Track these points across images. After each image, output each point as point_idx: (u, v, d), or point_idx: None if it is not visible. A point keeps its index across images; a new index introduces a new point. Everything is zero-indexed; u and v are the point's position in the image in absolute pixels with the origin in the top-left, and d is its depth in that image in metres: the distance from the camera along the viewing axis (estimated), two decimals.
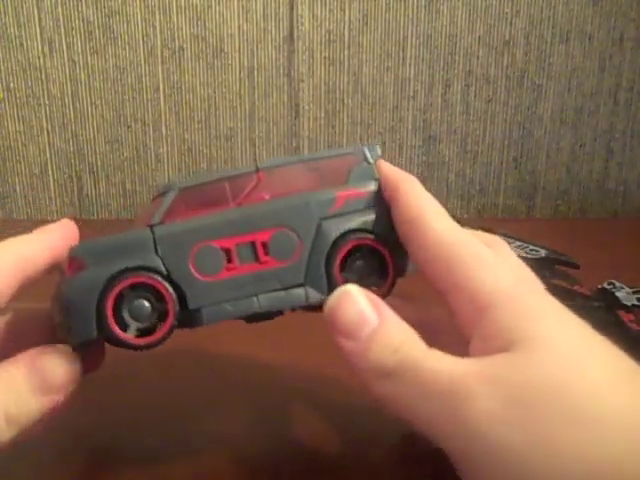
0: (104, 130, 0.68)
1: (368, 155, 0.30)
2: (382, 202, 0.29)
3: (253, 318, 0.29)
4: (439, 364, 0.24)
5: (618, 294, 0.46)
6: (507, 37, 0.68)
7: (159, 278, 0.26)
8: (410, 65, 0.69)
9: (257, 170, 0.28)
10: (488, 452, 0.22)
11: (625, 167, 0.73)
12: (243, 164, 0.70)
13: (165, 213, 0.27)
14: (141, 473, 0.30)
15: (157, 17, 0.65)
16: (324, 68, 0.68)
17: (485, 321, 0.24)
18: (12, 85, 0.67)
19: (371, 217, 0.29)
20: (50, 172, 0.69)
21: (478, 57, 0.69)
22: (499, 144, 0.71)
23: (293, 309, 0.29)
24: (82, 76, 0.67)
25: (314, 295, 0.28)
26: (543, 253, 0.54)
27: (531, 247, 0.55)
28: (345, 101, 0.69)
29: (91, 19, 0.65)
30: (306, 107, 0.69)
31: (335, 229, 0.28)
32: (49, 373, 0.25)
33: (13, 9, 0.64)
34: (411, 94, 0.69)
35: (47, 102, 0.67)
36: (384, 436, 0.34)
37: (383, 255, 0.29)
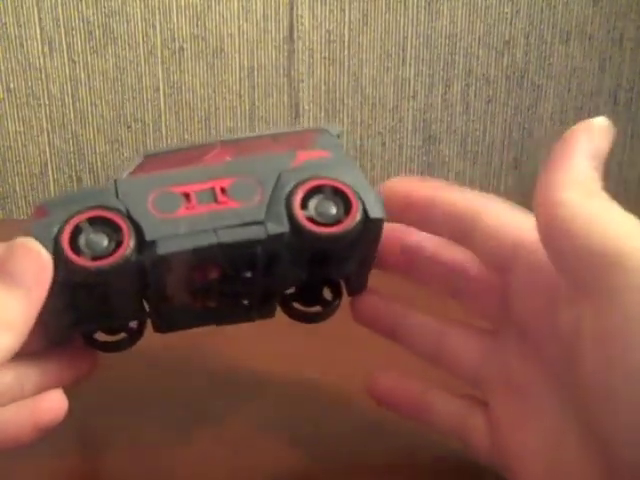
0: (104, 130, 0.68)
1: (331, 130, 0.30)
2: (348, 162, 0.28)
3: (224, 315, 0.29)
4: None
5: None
6: (507, 37, 0.68)
7: (116, 213, 0.26)
8: (410, 65, 0.69)
9: (221, 141, 0.29)
10: None
11: (625, 167, 0.73)
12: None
13: (130, 173, 0.28)
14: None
15: (157, 17, 0.65)
16: (324, 68, 0.68)
17: None
18: (12, 85, 0.67)
19: (335, 167, 0.28)
20: (50, 172, 0.69)
21: (478, 57, 0.69)
22: (499, 144, 0.71)
23: (252, 246, 0.27)
24: (82, 76, 0.67)
25: (273, 228, 0.26)
26: None
27: None
28: (345, 101, 0.69)
29: (91, 19, 0.65)
30: (306, 107, 0.69)
31: (295, 177, 0.27)
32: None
33: (13, 9, 0.64)
34: (411, 94, 0.69)
35: (47, 102, 0.67)
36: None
37: (347, 195, 0.27)
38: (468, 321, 0.31)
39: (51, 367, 0.29)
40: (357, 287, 0.31)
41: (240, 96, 0.68)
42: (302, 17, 0.66)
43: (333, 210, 0.27)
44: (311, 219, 0.27)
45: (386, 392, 0.33)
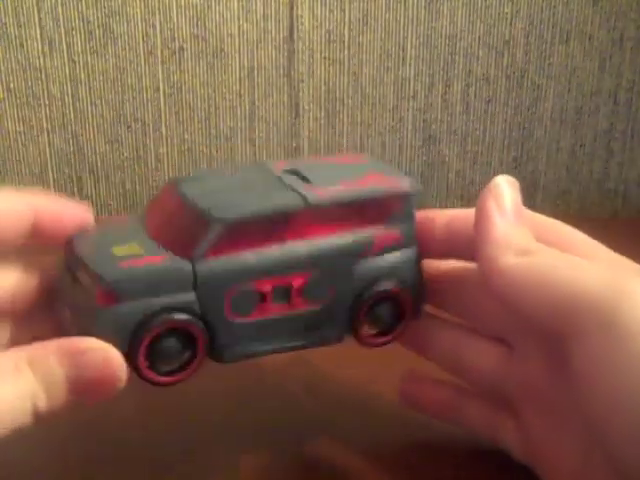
0: (104, 130, 0.68)
1: (412, 190, 0.30)
2: (413, 243, 0.30)
3: None
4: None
5: None
6: (507, 37, 0.68)
7: (194, 320, 0.25)
8: (410, 65, 0.69)
9: (306, 206, 0.27)
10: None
11: (625, 167, 0.73)
12: (243, 164, 0.70)
13: (207, 248, 0.26)
14: None
15: (157, 17, 0.65)
16: (324, 68, 0.68)
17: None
18: (12, 85, 0.67)
19: (400, 261, 0.29)
20: (50, 172, 0.69)
21: (478, 57, 0.69)
22: (499, 144, 0.71)
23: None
24: (82, 76, 0.67)
25: (331, 336, 0.29)
26: None
27: None
28: (345, 101, 0.69)
29: (91, 19, 0.65)
30: (306, 107, 0.69)
31: (367, 273, 0.28)
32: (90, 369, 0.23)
33: (13, 9, 0.64)
34: (411, 94, 0.69)
35: (47, 102, 0.67)
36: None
37: (404, 304, 0.30)
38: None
39: None
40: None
41: (240, 96, 0.68)
42: (302, 17, 0.66)
43: (388, 316, 0.30)
44: (370, 326, 0.30)
45: (417, 396, 0.33)
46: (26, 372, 0.22)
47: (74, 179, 0.69)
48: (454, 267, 0.31)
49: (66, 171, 0.69)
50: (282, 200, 0.27)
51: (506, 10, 0.68)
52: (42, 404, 0.22)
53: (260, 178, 0.30)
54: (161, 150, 0.69)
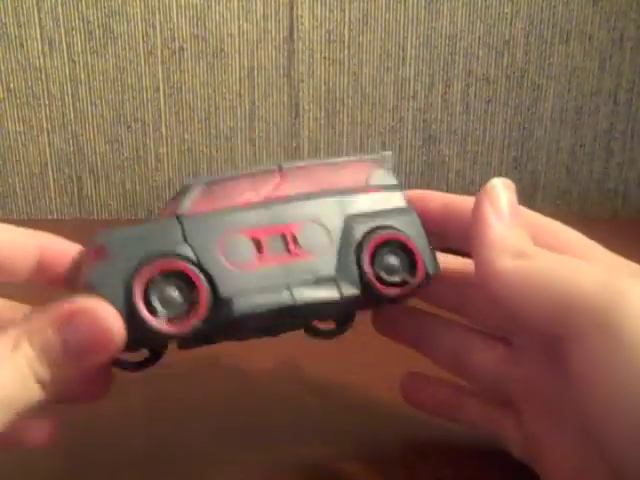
0: (104, 130, 0.68)
1: (386, 159, 0.31)
2: (408, 205, 0.30)
3: (279, 327, 0.28)
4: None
5: None
6: (507, 37, 0.68)
7: (187, 264, 0.25)
8: (410, 65, 0.69)
9: (280, 169, 0.28)
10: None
11: (625, 167, 0.73)
12: (243, 164, 0.70)
13: (191, 204, 0.26)
14: None
15: (157, 17, 0.65)
16: (324, 68, 0.68)
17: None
18: (12, 85, 0.67)
19: (398, 217, 0.29)
20: (50, 172, 0.69)
21: (478, 57, 0.69)
22: (499, 144, 0.71)
23: (324, 313, 0.28)
24: (82, 76, 0.67)
25: (347, 289, 0.27)
26: None
27: None
28: (345, 101, 0.69)
29: (91, 19, 0.65)
30: (306, 107, 0.69)
31: (362, 226, 0.28)
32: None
33: (13, 9, 0.64)
34: (411, 94, 0.69)
35: (47, 102, 0.67)
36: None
37: (412, 250, 0.29)
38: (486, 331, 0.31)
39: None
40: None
41: (240, 96, 0.68)
42: (302, 17, 0.66)
43: (398, 265, 0.28)
44: (380, 278, 0.28)
45: (418, 394, 0.33)
46: (25, 348, 0.22)
47: (74, 179, 0.69)
48: (454, 265, 0.31)
49: (66, 171, 0.69)
50: (257, 168, 0.28)
51: (506, 10, 0.68)
52: (45, 376, 0.22)
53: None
54: (161, 150, 0.69)
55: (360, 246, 0.28)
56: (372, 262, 0.28)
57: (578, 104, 0.71)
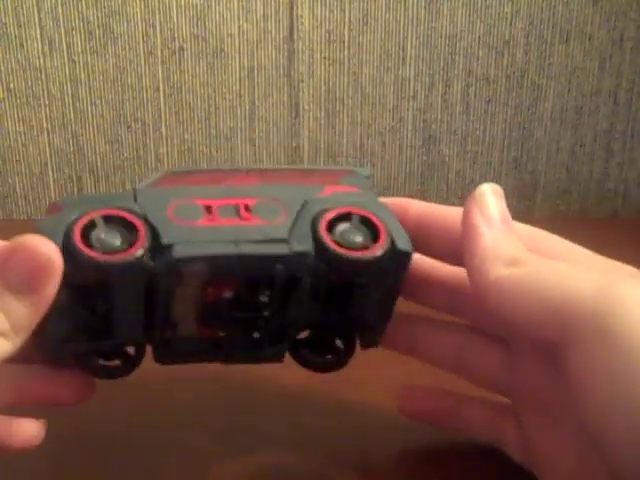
0: (104, 130, 0.68)
1: (361, 171, 0.29)
2: (376, 200, 0.28)
3: (231, 350, 0.28)
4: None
5: None
6: (507, 37, 0.68)
7: (132, 214, 0.25)
8: (410, 65, 0.69)
9: (247, 169, 0.28)
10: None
11: (625, 167, 0.73)
12: (243, 164, 0.70)
13: (149, 185, 0.26)
14: None
15: (157, 17, 0.65)
16: (324, 68, 0.68)
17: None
18: (12, 85, 0.67)
19: (366, 200, 0.27)
20: (50, 172, 0.69)
21: (478, 57, 0.69)
22: (499, 144, 0.71)
23: (273, 271, 0.25)
24: (82, 76, 0.67)
25: (298, 246, 0.25)
26: None
27: None
28: (345, 101, 0.69)
29: (91, 19, 0.65)
30: (306, 107, 0.69)
31: (322, 204, 0.26)
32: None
33: (13, 9, 0.64)
34: (411, 94, 0.69)
35: (47, 102, 0.67)
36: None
37: (376, 225, 0.26)
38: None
39: (50, 380, 0.28)
40: (372, 339, 0.30)
41: (240, 96, 0.68)
42: (302, 17, 0.66)
43: (360, 238, 0.26)
44: (337, 243, 0.25)
45: (418, 407, 0.33)
46: None
47: (74, 179, 0.69)
48: (451, 271, 0.31)
49: (66, 171, 0.69)
50: (225, 167, 0.28)
51: (506, 10, 0.68)
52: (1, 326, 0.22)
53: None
54: (161, 150, 0.69)
55: (317, 217, 0.26)
56: (329, 231, 0.26)
57: (578, 104, 0.71)
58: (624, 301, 0.22)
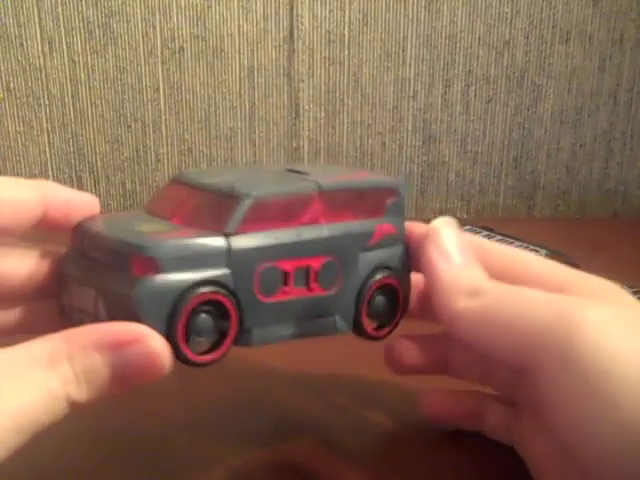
0: (104, 130, 0.68)
1: (401, 188, 0.32)
2: (402, 240, 0.31)
3: None
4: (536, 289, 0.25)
5: None
6: (507, 37, 0.68)
7: (227, 294, 0.26)
8: (410, 65, 0.69)
9: (319, 190, 0.29)
10: (602, 350, 0.22)
11: (625, 167, 0.73)
12: (243, 164, 0.70)
13: (239, 223, 0.26)
14: None
15: (157, 17, 0.65)
16: (324, 68, 0.68)
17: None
18: (12, 85, 0.67)
19: (394, 255, 0.31)
20: (50, 172, 0.69)
21: (478, 57, 0.69)
22: (499, 144, 0.71)
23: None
24: (82, 76, 0.67)
25: (342, 326, 0.30)
26: (543, 253, 0.54)
27: (531, 247, 0.55)
28: (345, 101, 0.69)
29: (91, 19, 0.65)
30: (306, 107, 0.69)
31: (368, 263, 0.30)
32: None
33: (13, 9, 0.64)
34: (411, 94, 0.69)
35: (47, 102, 0.67)
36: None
37: (398, 295, 0.31)
38: None
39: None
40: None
41: (240, 96, 0.68)
42: (302, 17, 0.66)
43: (385, 306, 0.31)
44: (369, 315, 0.30)
45: (442, 410, 0.33)
46: (63, 369, 0.21)
47: (74, 179, 0.69)
48: None
49: (66, 171, 0.69)
50: (299, 183, 0.29)
51: (506, 10, 0.68)
52: (78, 398, 0.21)
53: (262, 172, 0.31)
54: (161, 150, 0.69)
55: (361, 289, 0.30)
56: (368, 306, 0.30)
57: (578, 104, 0.71)
58: (583, 325, 0.22)
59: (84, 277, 0.26)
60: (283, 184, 0.29)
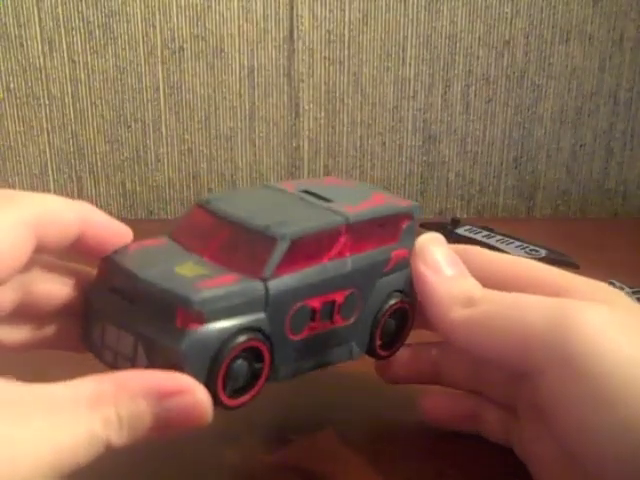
0: (104, 130, 0.68)
1: (415, 212, 0.33)
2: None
3: None
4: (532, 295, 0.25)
5: None
6: (507, 37, 0.68)
7: (263, 339, 0.26)
8: (410, 65, 0.69)
9: (347, 223, 0.29)
10: (600, 353, 0.22)
11: (625, 167, 0.73)
12: (243, 164, 0.70)
13: (276, 266, 0.27)
14: None
15: (157, 17, 0.65)
16: (324, 68, 0.68)
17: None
18: (12, 85, 0.67)
19: (406, 277, 0.31)
20: (50, 172, 0.69)
21: (478, 57, 0.69)
22: (499, 144, 0.71)
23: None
24: (82, 76, 0.67)
25: (356, 352, 0.31)
26: (543, 253, 0.54)
27: (531, 247, 0.55)
28: (345, 101, 0.69)
29: (91, 19, 0.65)
30: (306, 107, 0.69)
31: (384, 289, 0.31)
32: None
33: (13, 9, 0.64)
34: (411, 94, 0.69)
35: (47, 102, 0.67)
36: None
37: (408, 316, 0.32)
38: None
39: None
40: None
41: (240, 96, 0.68)
42: (302, 17, 0.66)
43: (395, 327, 0.32)
44: (381, 343, 0.32)
45: (441, 412, 0.34)
46: (107, 411, 0.21)
47: (74, 179, 0.69)
48: None
49: (66, 171, 0.69)
50: (328, 218, 0.29)
51: (506, 10, 0.68)
52: (118, 442, 0.21)
53: (284, 198, 0.31)
54: (161, 150, 0.69)
55: (377, 314, 0.31)
56: (382, 331, 0.32)
57: (578, 104, 0.71)
58: (578, 327, 0.22)
59: (121, 320, 0.26)
60: (313, 218, 0.29)
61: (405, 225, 0.32)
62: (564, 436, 0.23)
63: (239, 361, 0.25)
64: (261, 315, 0.26)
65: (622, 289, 0.46)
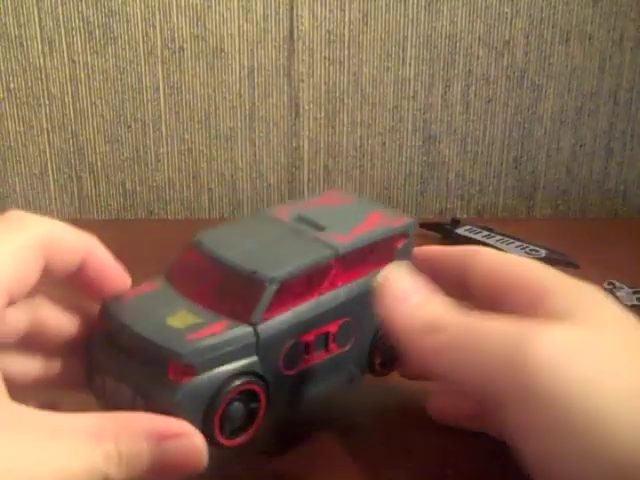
0: (104, 130, 0.68)
1: (411, 229, 0.33)
2: None
3: None
4: (497, 318, 0.25)
5: (618, 294, 0.46)
6: (507, 37, 0.68)
7: (257, 380, 0.27)
8: (410, 65, 0.69)
9: (337, 255, 0.29)
10: (559, 381, 0.22)
11: (625, 167, 0.73)
12: (243, 164, 0.70)
13: (265, 310, 0.27)
14: None
15: (157, 17, 0.65)
16: (324, 68, 0.68)
17: (541, 309, 0.25)
18: (12, 85, 0.67)
19: None
20: (50, 172, 0.69)
21: (478, 57, 0.69)
22: (499, 144, 0.71)
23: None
24: (82, 76, 0.67)
25: (356, 373, 0.31)
26: (543, 253, 0.54)
27: (531, 247, 0.55)
28: (345, 101, 0.69)
29: (91, 19, 0.65)
30: (306, 107, 0.69)
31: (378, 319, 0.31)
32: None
33: (13, 9, 0.64)
34: (411, 94, 0.69)
35: (47, 102, 0.67)
36: None
37: None
38: None
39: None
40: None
41: (240, 96, 0.68)
42: (302, 17, 0.66)
43: (392, 345, 0.31)
44: (380, 363, 0.32)
45: (447, 411, 0.34)
46: (108, 447, 0.21)
47: (74, 179, 0.69)
48: None
49: (66, 171, 0.69)
50: (317, 253, 0.29)
51: (506, 10, 0.68)
52: (118, 477, 0.21)
53: (276, 231, 0.31)
54: (161, 150, 0.69)
55: (374, 337, 0.31)
56: (381, 350, 0.32)
57: (578, 104, 0.71)
58: (535, 357, 0.22)
59: (119, 374, 0.27)
60: (302, 255, 0.29)
61: (400, 245, 0.32)
62: (532, 466, 0.23)
63: (235, 404, 0.26)
64: (254, 358, 0.26)
65: (622, 289, 0.46)
